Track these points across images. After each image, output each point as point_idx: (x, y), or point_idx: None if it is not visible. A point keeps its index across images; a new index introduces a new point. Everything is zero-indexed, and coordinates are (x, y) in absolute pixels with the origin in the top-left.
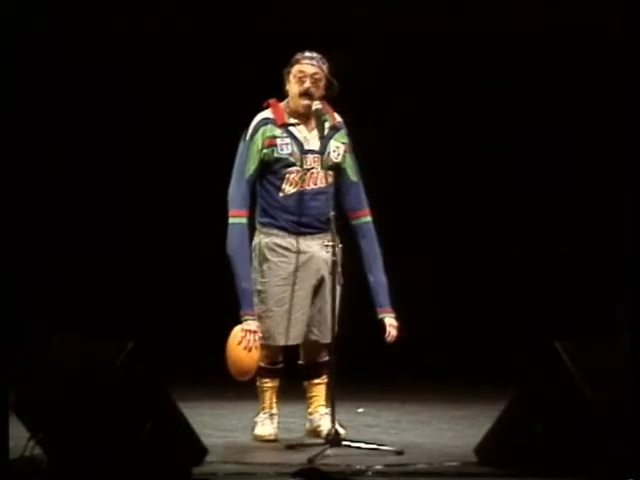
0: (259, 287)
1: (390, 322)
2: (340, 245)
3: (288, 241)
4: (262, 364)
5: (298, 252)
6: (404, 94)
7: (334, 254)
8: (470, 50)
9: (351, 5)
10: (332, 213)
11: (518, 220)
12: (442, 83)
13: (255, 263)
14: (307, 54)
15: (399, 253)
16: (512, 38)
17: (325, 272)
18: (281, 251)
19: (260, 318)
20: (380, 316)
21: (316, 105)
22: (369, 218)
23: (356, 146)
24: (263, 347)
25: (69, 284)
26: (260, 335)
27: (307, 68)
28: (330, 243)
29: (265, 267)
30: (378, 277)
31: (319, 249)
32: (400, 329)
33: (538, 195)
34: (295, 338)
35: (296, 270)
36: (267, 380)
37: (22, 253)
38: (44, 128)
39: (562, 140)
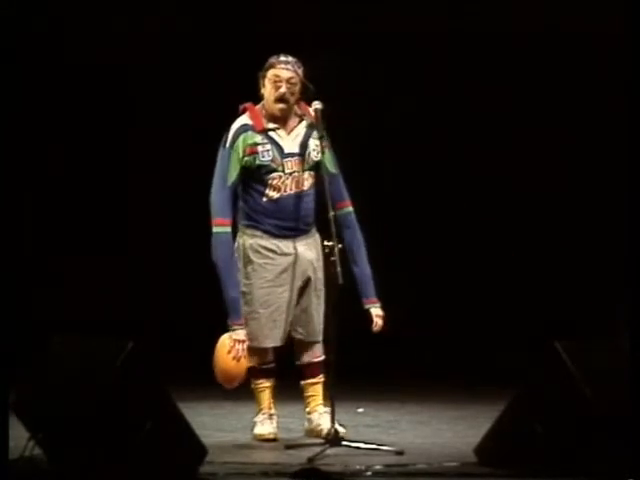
0: (244, 289)
1: (376, 312)
2: (339, 245)
3: (273, 243)
4: (254, 365)
5: (283, 254)
6: (404, 94)
7: (333, 254)
8: (470, 50)
9: (351, 5)
10: (332, 213)
11: (518, 220)
12: (442, 83)
13: (239, 265)
14: (282, 58)
15: (399, 253)
16: (512, 38)
17: (311, 273)
18: (266, 253)
19: (245, 320)
20: (366, 307)
21: (316, 105)
22: (351, 209)
23: (350, 144)
24: (251, 349)
25: (69, 284)
26: (248, 344)
27: (282, 73)
28: (329, 243)
29: (249, 269)
30: (363, 267)
31: (304, 250)
32: (386, 319)
33: (538, 195)
34: (280, 339)
35: (282, 272)
36: (261, 381)
37: (22, 253)
38: (44, 128)
39: (562, 140)
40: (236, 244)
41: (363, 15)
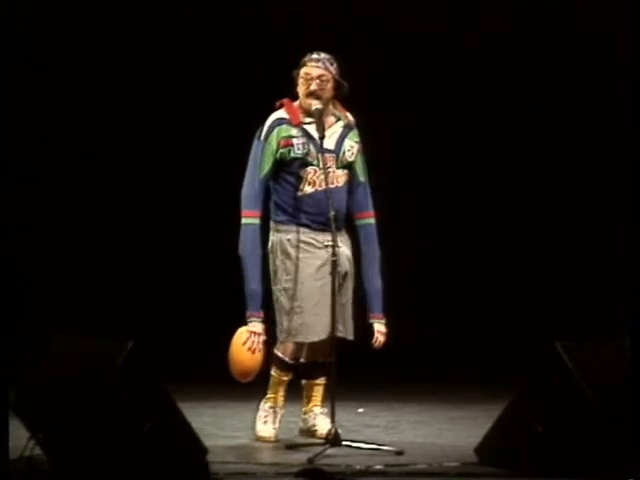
0: (285, 285)
1: (379, 328)
2: (340, 246)
3: (311, 237)
4: (286, 358)
5: (323, 246)
6: (404, 94)
7: (334, 254)
8: (470, 51)
9: (352, 6)
10: (332, 213)
11: (518, 219)
12: (442, 83)
13: (277, 262)
14: (314, 56)
15: (399, 253)
16: (512, 38)
17: (348, 268)
18: (306, 247)
19: (289, 315)
20: (370, 321)
21: (316, 105)
22: (373, 220)
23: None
24: (289, 343)
25: (69, 284)
26: (264, 338)
27: (313, 70)
28: (330, 243)
29: (289, 264)
30: (374, 281)
31: (340, 244)
32: (388, 336)
33: (538, 195)
34: (323, 333)
35: (322, 265)
36: (285, 372)
37: (22, 253)
38: (44, 128)
39: (562, 140)
40: (270, 243)
41: (363, 15)
